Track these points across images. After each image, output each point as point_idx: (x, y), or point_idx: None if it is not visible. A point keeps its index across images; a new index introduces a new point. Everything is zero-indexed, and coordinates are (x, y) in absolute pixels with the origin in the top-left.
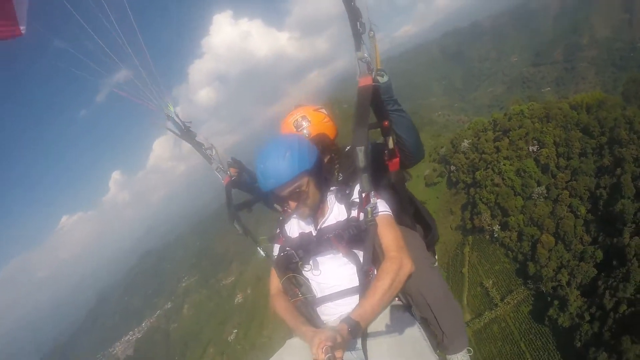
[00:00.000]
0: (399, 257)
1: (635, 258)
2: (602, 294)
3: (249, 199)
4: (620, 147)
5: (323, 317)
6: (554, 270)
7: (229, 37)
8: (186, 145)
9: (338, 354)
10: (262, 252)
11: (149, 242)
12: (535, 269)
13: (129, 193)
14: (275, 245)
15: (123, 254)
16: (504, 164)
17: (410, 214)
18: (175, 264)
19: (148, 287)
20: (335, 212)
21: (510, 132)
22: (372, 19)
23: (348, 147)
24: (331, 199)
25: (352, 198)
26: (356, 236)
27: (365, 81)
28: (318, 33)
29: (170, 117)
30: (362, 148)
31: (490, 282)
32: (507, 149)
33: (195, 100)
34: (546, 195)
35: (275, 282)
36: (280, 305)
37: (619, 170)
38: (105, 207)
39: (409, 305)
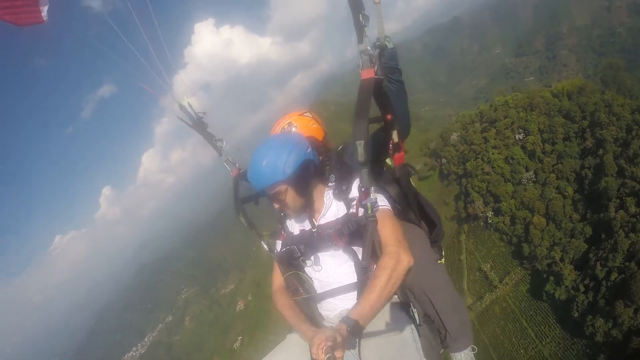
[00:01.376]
0: (396, 252)
1: (621, 229)
2: (594, 266)
3: (256, 193)
4: (601, 130)
5: (324, 313)
6: (547, 248)
7: (211, 45)
8: (176, 155)
9: (338, 353)
10: (265, 246)
11: (143, 257)
12: (529, 250)
13: (120, 208)
14: (278, 241)
15: (118, 270)
16: (493, 153)
17: (415, 209)
18: (172, 276)
19: (147, 302)
20: (334, 209)
21: (497, 123)
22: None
23: (340, 147)
24: (328, 196)
25: (350, 194)
26: (356, 232)
27: (368, 74)
28: (300, 37)
29: (183, 107)
30: (362, 142)
31: (488, 265)
32: (495, 139)
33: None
34: (535, 179)
35: (277, 277)
36: (281, 302)
37: (601, 151)
38: (97, 224)
39: (407, 303)
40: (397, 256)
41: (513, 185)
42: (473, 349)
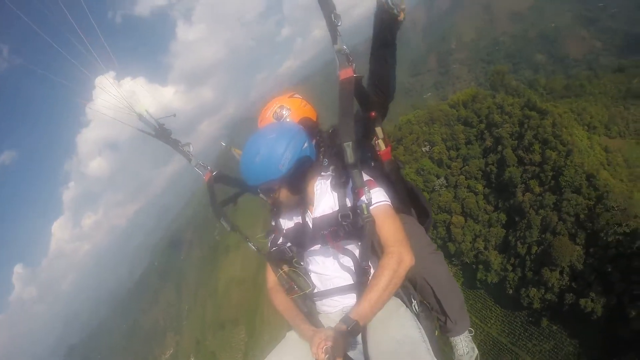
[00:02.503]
0: (397, 252)
1: (531, 209)
2: (515, 245)
3: (234, 193)
4: (497, 129)
5: (325, 309)
6: (470, 242)
7: (112, 99)
8: (88, 220)
9: (338, 353)
10: (253, 247)
11: (71, 336)
12: (455, 247)
13: (36, 286)
14: (270, 236)
15: (45, 356)
16: (404, 169)
17: (408, 202)
18: (105, 353)
19: None
20: (330, 202)
21: (403, 140)
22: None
23: (332, 129)
24: (324, 185)
25: (348, 188)
26: (352, 233)
27: (347, 73)
28: (203, 83)
29: (142, 118)
30: (350, 143)
31: None
32: (404, 155)
33: (87, 173)
34: (446, 184)
35: (271, 275)
36: (278, 301)
37: (500, 147)
38: (14, 307)
39: (407, 295)
40: (399, 256)
41: (428, 194)
42: (470, 332)
